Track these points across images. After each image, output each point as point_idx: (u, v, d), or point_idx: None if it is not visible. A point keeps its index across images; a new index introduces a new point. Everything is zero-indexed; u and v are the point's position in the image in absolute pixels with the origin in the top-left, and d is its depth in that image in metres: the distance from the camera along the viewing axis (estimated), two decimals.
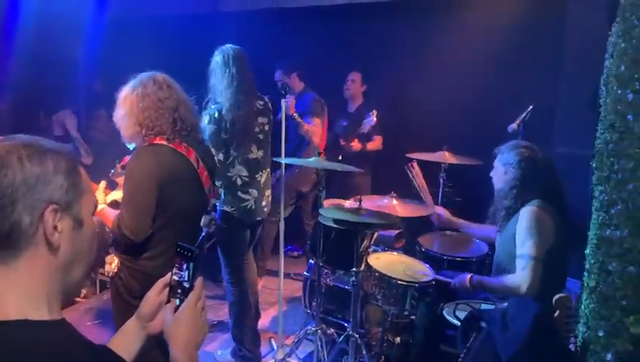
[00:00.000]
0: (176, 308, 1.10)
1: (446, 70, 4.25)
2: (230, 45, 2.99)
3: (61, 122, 4.24)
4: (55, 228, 0.90)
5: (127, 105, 2.13)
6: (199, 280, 1.12)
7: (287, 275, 4.01)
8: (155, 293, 1.18)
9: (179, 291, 1.11)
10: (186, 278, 1.11)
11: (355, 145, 4.34)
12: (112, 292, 2.27)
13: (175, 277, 1.12)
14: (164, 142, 2.12)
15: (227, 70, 2.91)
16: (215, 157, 2.76)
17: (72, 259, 0.95)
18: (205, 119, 2.87)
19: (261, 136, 3.07)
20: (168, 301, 1.12)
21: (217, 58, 2.96)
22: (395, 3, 4.47)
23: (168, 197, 2.10)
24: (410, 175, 3.23)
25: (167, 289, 1.14)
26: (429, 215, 3.15)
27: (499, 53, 4.10)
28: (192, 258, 1.10)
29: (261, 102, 3.09)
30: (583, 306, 1.73)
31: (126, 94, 2.14)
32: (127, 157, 2.18)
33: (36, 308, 0.88)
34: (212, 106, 2.92)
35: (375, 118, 4.13)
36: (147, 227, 2.07)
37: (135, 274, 2.14)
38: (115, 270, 2.19)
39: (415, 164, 3.25)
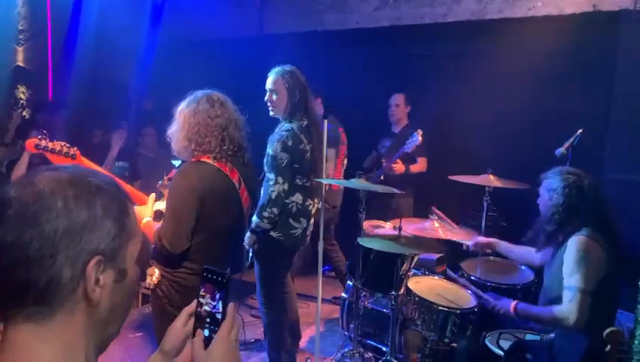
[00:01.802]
0: (206, 339, 0.98)
1: (492, 92, 4.19)
2: (290, 66, 2.95)
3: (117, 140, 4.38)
4: (97, 282, 0.79)
5: (179, 119, 2.22)
6: (231, 307, 0.99)
7: (325, 300, 3.98)
8: (180, 324, 1.05)
9: (208, 320, 0.99)
10: (216, 306, 0.99)
11: (398, 167, 4.31)
12: (153, 304, 2.34)
13: (204, 307, 1.00)
14: (210, 161, 2.18)
15: (302, 92, 2.89)
16: (279, 186, 2.81)
17: (111, 315, 0.84)
18: (277, 146, 2.80)
19: (319, 162, 3.00)
20: (194, 332, 1.00)
21: (281, 77, 2.90)
22: (441, 25, 4.47)
23: (208, 213, 2.16)
24: (435, 221, 3.22)
25: (193, 319, 1.02)
26: (463, 245, 3.09)
27: (547, 76, 4.01)
28: (224, 283, 0.99)
29: (320, 126, 3.02)
30: (637, 341, 1.64)
31: (180, 109, 2.24)
32: (175, 171, 2.25)
33: None
34: (284, 131, 2.85)
35: (420, 138, 4.07)
36: (185, 241, 2.13)
37: (175, 285, 2.21)
38: (156, 282, 2.25)
39: (435, 209, 3.25)
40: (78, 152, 2.39)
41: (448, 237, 3.17)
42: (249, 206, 2.41)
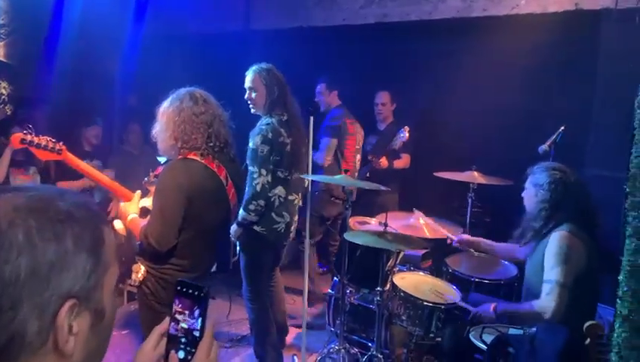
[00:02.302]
0: None
1: (476, 90, 4.23)
2: (267, 64, 3.01)
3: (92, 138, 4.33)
4: (70, 330, 0.66)
5: (164, 119, 2.21)
6: (210, 325, 0.90)
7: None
8: (151, 347, 0.91)
9: (183, 340, 0.88)
10: (193, 324, 0.88)
11: (383, 161, 4.33)
12: (139, 301, 2.33)
13: (181, 324, 0.89)
14: (197, 158, 2.18)
15: (277, 89, 2.94)
16: (263, 178, 2.84)
17: None
18: (258, 139, 2.86)
19: (300, 157, 3.04)
20: (167, 355, 0.89)
21: (264, 76, 2.96)
22: (425, 22, 4.49)
23: (196, 211, 2.16)
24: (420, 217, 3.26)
25: (165, 340, 0.90)
26: (447, 241, 3.12)
27: (530, 73, 4.07)
28: (202, 298, 0.88)
29: (301, 121, 3.07)
30: (615, 334, 1.68)
31: (164, 109, 2.23)
32: (161, 167, 2.24)
33: None
34: (264, 125, 2.90)
35: (407, 135, 4.10)
36: (172, 238, 2.13)
37: (161, 281, 2.21)
38: (142, 278, 2.24)
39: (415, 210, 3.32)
40: (64, 147, 2.37)
41: (433, 236, 3.21)
42: (236, 203, 2.42)
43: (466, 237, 3.07)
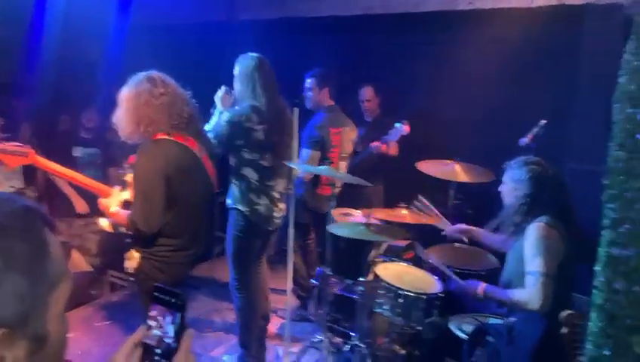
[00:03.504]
0: None
1: (460, 82, 4.25)
2: (254, 54, 3.02)
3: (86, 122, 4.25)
4: (3, 361, 0.57)
5: (124, 104, 2.22)
6: (187, 335, 0.84)
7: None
8: (123, 357, 0.84)
9: (157, 351, 0.83)
10: (169, 333, 0.82)
11: (393, 149, 4.14)
12: (138, 288, 2.36)
13: (154, 331, 0.83)
14: (166, 136, 2.20)
15: (251, 79, 2.95)
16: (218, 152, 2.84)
17: None
18: (224, 116, 2.91)
19: (279, 146, 3.03)
20: None
21: (241, 66, 2.99)
22: (409, 15, 4.50)
23: (177, 188, 2.18)
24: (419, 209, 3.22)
25: (140, 350, 0.85)
26: (442, 231, 3.13)
27: (512, 67, 4.09)
28: (178, 306, 0.83)
29: (285, 112, 3.08)
30: (591, 324, 1.72)
31: (123, 93, 2.24)
32: (134, 156, 2.24)
33: None
34: (238, 109, 2.94)
35: (407, 128, 3.92)
36: (159, 219, 2.16)
37: (157, 264, 2.24)
38: (136, 266, 2.25)
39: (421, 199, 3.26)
40: (31, 151, 2.31)
41: (425, 222, 3.20)
42: (215, 174, 2.45)
43: (463, 226, 3.05)
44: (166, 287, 0.84)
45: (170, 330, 0.82)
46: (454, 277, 2.69)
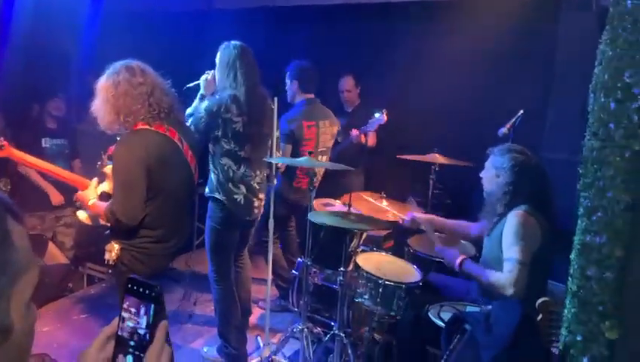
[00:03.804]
0: None
1: (438, 72, 4.26)
2: (236, 42, 2.97)
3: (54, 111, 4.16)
4: None
5: (102, 93, 2.18)
6: (162, 327, 0.83)
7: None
8: (95, 350, 0.84)
9: (131, 343, 0.82)
10: (143, 325, 0.82)
11: (357, 133, 4.13)
12: (117, 280, 2.34)
13: (127, 323, 0.82)
14: (147, 127, 2.17)
15: (232, 68, 2.90)
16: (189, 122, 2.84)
17: None
18: (203, 105, 2.88)
19: (258, 136, 3.00)
20: (114, 359, 0.83)
21: (222, 54, 2.95)
22: (389, 4, 4.49)
23: (158, 179, 2.16)
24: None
25: (113, 342, 0.84)
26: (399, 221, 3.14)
27: (491, 57, 4.12)
28: (153, 297, 0.82)
29: (265, 102, 3.04)
30: (565, 310, 1.75)
31: (101, 83, 2.20)
32: (112, 147, 2.21)
33: None
34: (216, 98, 2.90)
35: (386, 117, 3.92)
36: (140, 210, 2.13)
37: (138, 256, 2.22)
38: (115, 257, 2.23)
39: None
40: (5, 143, 2.26)
41: (393, 218, 3.23)
42: (195, 164, 2.43)
43: (419, 215, 3.07)
44: (140, 279, 0.83)
45: (144, 322, 0.82)
46: (438, 242, 2.76)
